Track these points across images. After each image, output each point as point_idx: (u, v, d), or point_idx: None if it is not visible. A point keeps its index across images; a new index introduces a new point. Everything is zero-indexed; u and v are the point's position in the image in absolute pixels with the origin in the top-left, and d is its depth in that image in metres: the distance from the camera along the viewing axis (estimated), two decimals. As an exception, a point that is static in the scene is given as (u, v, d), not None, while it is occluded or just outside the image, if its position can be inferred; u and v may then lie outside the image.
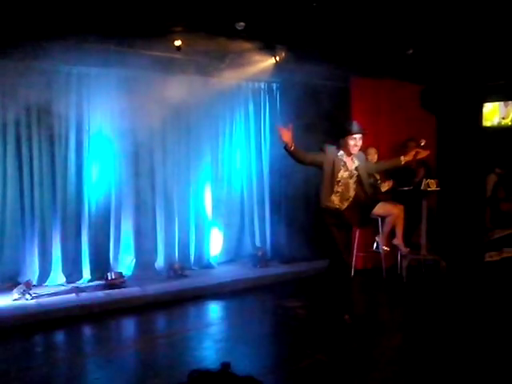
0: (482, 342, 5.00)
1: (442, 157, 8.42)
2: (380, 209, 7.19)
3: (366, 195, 5.60)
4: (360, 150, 5.55)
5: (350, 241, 6.22)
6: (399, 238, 7.40)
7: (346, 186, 5.46)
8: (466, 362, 4.56)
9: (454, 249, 7.83)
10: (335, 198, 5.45)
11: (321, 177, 5.49)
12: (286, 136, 5.18)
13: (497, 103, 8.46)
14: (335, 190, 5.43)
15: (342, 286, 5.52)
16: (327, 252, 5.68)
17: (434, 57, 7.58)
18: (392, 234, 7.49)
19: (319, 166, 5.47)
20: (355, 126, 5.48)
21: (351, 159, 5.49)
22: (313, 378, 4.32)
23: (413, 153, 5.71)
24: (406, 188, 7.42)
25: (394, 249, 7.60)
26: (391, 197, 7.46)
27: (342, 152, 5.46)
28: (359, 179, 5.51)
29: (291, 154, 5.29)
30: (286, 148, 5.24)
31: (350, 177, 5.48)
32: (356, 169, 5.49)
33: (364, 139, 5.54)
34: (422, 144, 5.88)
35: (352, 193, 5.50)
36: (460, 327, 5.46)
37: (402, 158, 5.67)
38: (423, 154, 5.78)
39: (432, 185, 7.30)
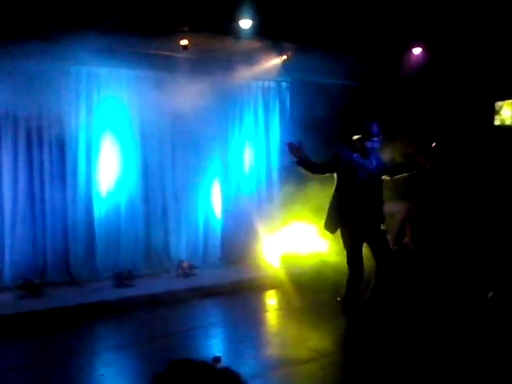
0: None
1: (454, 155, 8.34)
2: (386, 207, 7.13)
3: (382, 197, 5.43)
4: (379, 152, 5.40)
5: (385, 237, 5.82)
6: (408, 236, 7.36)
7: (366, 188, 5.26)
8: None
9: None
10: (358, 201, 5.23)
11: (338, 183, 5.31)
12: (297, 152, 5.05)
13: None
14: (356, 192, 5.24)
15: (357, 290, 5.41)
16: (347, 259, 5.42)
17: (445, 56, 7.54)
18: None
19: (334, 172, 5.31)
20: (375, 127, 5.23)
21: (369, 161, 5.31)
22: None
23: (425, 156, 5.43)
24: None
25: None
26: (400, 194, 7.41)
27: (357, 154, 5.28)
28: (378, 180, 5.36)
29: (303, 167, 5.16)
30: (297, 163, 5.12)
31: (370, 179, 5.29)
32: (375, 169, 5.31)
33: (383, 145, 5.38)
34: (432, 146, 5.76)
35: (371, 195, 5.31)
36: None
37: (419, 159, 5.37)
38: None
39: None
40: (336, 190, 5.34)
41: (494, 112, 8.27)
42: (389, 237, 7.40)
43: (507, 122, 8.24)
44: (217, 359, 4.00)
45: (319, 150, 7.71)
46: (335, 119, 8.04)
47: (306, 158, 5.11)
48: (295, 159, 5.09)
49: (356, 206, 5.23)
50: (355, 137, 5.28)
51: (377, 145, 5.24)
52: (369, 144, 5.20)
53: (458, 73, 8.04)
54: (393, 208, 7.23)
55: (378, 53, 7.38)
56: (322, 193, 7.81)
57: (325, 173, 5.37)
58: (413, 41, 7.07)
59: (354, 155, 5.27)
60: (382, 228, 5.44)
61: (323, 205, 7.38)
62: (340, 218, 5.30)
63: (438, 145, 5.90)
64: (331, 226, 5.40)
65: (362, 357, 4.74)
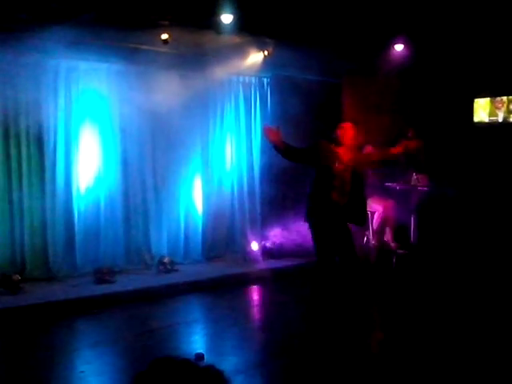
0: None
1: (432, 153, 8.42)
2: (370, 204, 7.19)
3: (363, 189, 5.43)
4: (355, 143, 5.41)
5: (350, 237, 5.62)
6: (389, 233, 7.41)
7: (343, 179, 5.23)
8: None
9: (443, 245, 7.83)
10: (333, 193, 5.21)
11: (316, 173, 5.30)
12: (274, 136, 5.01)
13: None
14: (333, 184, 5.20)
15: (326, 284, 5.32)
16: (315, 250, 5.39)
17: (426, 52, 7.60)
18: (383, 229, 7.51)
19: (312, 162, 5.29)
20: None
21: (345, 151, 5.30)
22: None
23: (402, 145, 5.62)
24: (395, 183, 7.42)
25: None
26: (380, 192, 7.46)
27: (335, 145, 5.31)
28: (355, 172, 5.30)
29: (281, 152, 5.11)
30: (275, 148, 5.09)
31: (346, 170, 5.25)
32: (351, 161, 5.28)
33: (357, 136, 5.41)
34: (410, 135, 5.84)
35: (349, 186, 5.27)
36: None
37: (392, 149, 5.56)
38: (412, 144, 5.72)
39: (422, 180, 7.31)
40: (313, 179, 5.32)
41: (472, 109, 8.37)
42: (371, 233, 7.51)
43: (485, 120, 8.34)
44: (199, 356, 4.02)
45: (299, 145, 7.77)
46: (316, 115, 8.07)
47: (284, 142, 5.04)
48: (272, 143, 5.04)
49: (325, 198, 5.19)
50: (330, 129, 5.39)
51: (349, 132, 5.27)
52: (341, 132, 5.27)
53: (439, 70, 8.12)
54: (373, 205, 7.29)
55: (358, 49, 7.41)
56: (301, 189, 7.90)
57: (303, 160, 5.35)
58: (394, 37, 7.11)
59: (333, 145, 5.28)
60: (349, 228, 5.31)
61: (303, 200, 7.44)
62: (311, 208, 5.28)
63: (415, 133, 5.99)
64: (308, 217, 5.36)
65: (345, 351, 4.76)
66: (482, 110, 8.29)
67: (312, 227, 5.31)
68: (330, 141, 5.39)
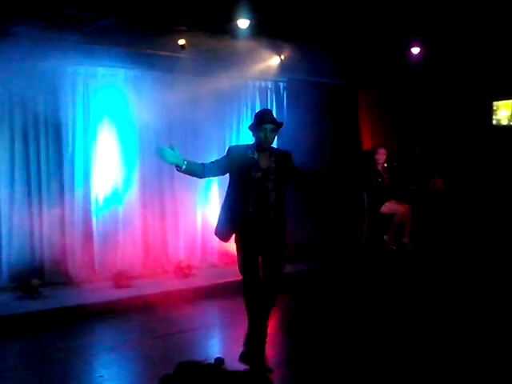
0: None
1: (450, 155, 8.36)
2: (386, 207, 7.16)
3: (282, 205, 4.39)
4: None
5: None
6: (407, 236, 7.37)
7: (263, 189, 4.29)
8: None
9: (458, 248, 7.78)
10: (251, 206, 4.28)
11: (230, 182, 4.41)
12: (172, 156, 4.01)
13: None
14: (249, 196, 4.28)
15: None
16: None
17: (444, 55, 7.55)
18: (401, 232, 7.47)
19: (227, 170, 4.36)
20: (266, 115, 4.35)
21: (265, 156, 4.34)
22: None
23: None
24: (412, 186, 7.39)
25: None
26: (397, 195, 7.43)
27: (252, 149, 4.34)
28: (278, 183, 4.35)
29: (186, 172, 4.14)
30: (177, 169, 4.10)
31: (266, 178, 4.31)
32: (273, 168, 4.33)
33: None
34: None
35: (273, 198, 4.32)
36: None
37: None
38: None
39: (439, 183, 7.24)
40: (229, 190, 4.43)
41: (491, 112, 8.29)
42: (386, 237, 7.47)
43: (503, 123, 8.26)
44: (219, 360, 3.90)
45: (316, 150, 7.75)
46: (332, 119, 8.06)
47: (186, 160, 4.08)
48: (173, 165, 4.08)
49: (246, 212, 4.29)
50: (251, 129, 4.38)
51: (270, 135, 4.27)
52: (260, 135, 4.26)
53: (456, 72, 8.06)
54: (392, 208, 7.25)
55: (375, 52, 7.38)
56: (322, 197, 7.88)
57: (215, 174, 4.45)
58: (411, 40, 7.06)
59: (249, 150, 4.34)
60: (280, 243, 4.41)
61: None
62: (231, 224, 4.38)
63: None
64: (223, 232, 4.48)
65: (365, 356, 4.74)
66: (504, 111, 8.21)
67: (237, 246, 4.45)
68: (248, 144, 4.47)
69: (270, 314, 4.34)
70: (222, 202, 4.54)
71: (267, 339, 4.26)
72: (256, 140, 4.33)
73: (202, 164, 4.22)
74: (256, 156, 4.30)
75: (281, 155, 4.45)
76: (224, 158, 4.37)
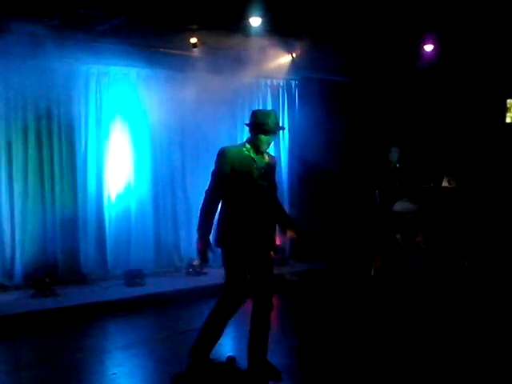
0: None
1: (464, 153, 8.29)
2: (399, 206, 7.13)
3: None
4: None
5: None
6: (420, 234, 7.33)
7: (260, 188, 4.08)
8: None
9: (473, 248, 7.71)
10: (254, 206, 4.04)
11: (229, 187, 4.08)
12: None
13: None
14: (251, 195, 4.05)
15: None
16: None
17: (457, 53, 7.49)
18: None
19: (228, 180, 4.07)
20: (277, 122, 4.12)
21: (260, 155, 4.10)
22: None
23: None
24: (426, 185, 7.36)
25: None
26: (410, 194, 7.40)
27: (248, 147, 4.07)
28: (270, 186, 4.17)
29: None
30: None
31: (262, 177, 4.09)
32: (267, 167, 4.12)
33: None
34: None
35: (268, 197, 4.14)
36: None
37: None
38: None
39: (452, 182, 7.21)
40: (228, 193, 4.10)
41: (505, 109, 8.22)
42: (398, 236, 7.44)
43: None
44: (231, 359, 3.95)
45: (328, 148, 7.73)
46: (344, 117, 8.02)
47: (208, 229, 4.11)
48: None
49: (247, 220, 4.04)
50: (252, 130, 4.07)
51: (272, 140, 4.13)
52: (269, 139, 4.07)
53: (470, 70, 7.99)
54: (405, 206, 7.22)
55: (388, 50, 7.34)
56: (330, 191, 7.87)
57: (225, 189, 4.09)
58: (424, 37, 7.01)
59: (244, 148, 4.08)
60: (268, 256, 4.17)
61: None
62: (228, 233, 4.16)
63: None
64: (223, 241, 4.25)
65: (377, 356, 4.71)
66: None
67: (226, 257, 4.42)
68: (243, 143, 4.23)
69: (270, 318, 4.27)
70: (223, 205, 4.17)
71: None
72: (256, 141, 4.05)
73: (214, 205, 4.12)
74: (253, 154, 4.05)
75: (271, 158, 4.25)
76: (224, 164, 4.07)
